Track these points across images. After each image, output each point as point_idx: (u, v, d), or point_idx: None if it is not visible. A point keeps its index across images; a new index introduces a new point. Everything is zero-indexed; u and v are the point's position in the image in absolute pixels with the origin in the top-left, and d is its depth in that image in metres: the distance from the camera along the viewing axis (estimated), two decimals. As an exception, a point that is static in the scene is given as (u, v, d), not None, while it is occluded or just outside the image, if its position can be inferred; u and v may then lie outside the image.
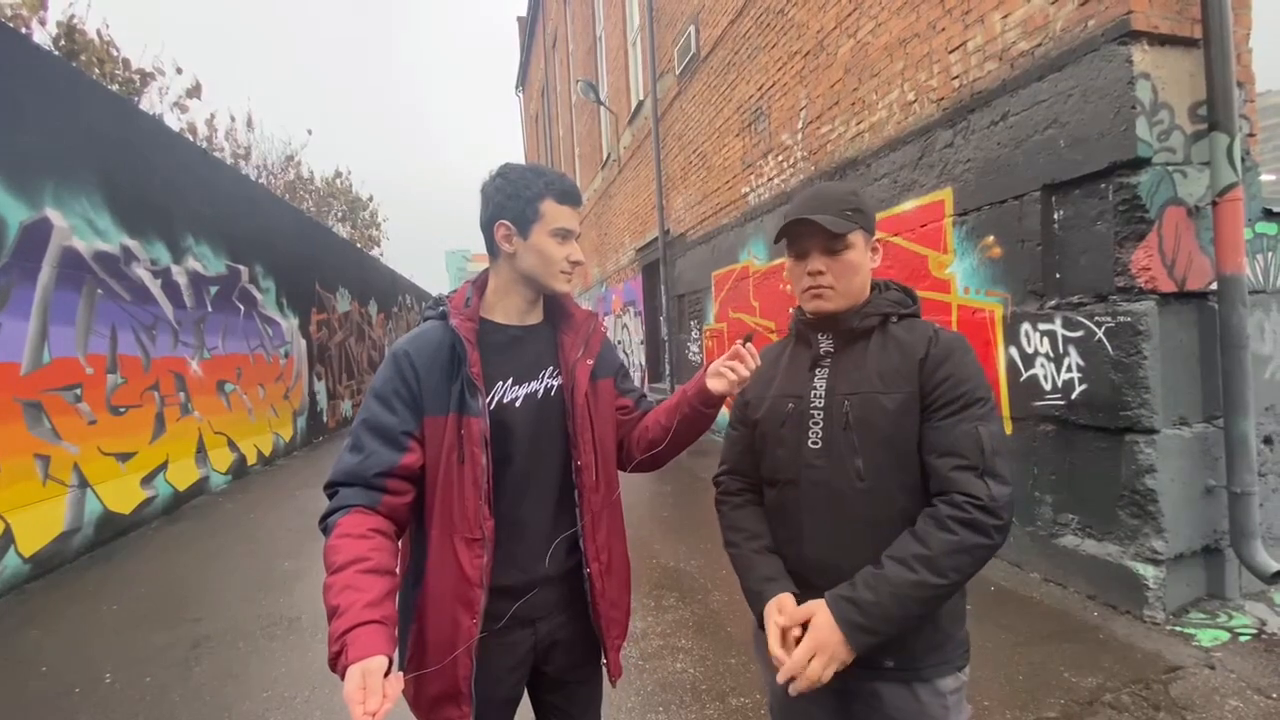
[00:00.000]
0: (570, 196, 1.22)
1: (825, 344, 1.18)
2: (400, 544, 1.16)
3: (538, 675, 1.28)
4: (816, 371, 1.17)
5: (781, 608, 1.08)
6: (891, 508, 1.07)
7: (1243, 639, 2.62)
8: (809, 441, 1.13)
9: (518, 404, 1.20)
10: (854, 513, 1.09)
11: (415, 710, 1.16)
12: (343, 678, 0.86)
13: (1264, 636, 2.62)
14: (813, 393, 1.15)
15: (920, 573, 0.98)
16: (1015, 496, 1.05)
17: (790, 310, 1.30)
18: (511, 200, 1.19)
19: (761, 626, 1.26)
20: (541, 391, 1.23)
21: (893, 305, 1.17)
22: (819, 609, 1.03)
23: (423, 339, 1.18)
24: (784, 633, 1.05)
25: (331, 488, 1.12)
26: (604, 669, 1.32)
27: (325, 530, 1.06)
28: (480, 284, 1.27)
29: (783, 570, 1.15)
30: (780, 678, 1.02)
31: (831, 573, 1.07)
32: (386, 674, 0.87)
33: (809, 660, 0.99)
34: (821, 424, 1.13)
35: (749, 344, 1.19)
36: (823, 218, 1.11)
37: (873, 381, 1.11)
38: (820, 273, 1.14)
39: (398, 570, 1.08)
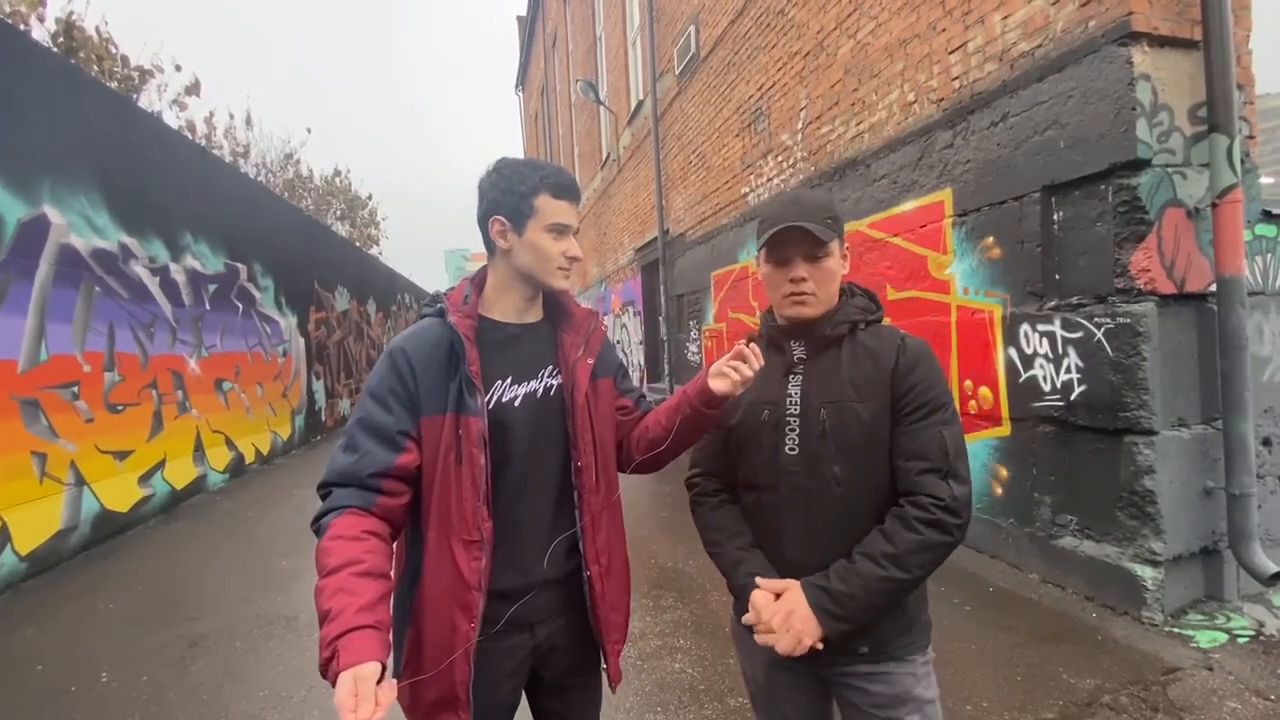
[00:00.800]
0: (566, 190, 1.19)
1: (798, 351, 1.22)
2: (396, 546, 1.14)
3: (535, 680, 1.27)
4: (790, 378, 1.21)
5: (759, 603, 1.14)
6: (866, 510, 1.14)
7: (1241, 641, 2.62)
8: (786, 448, 1.17)
9: (517, 403, 1.19)
10: (831, 516, 1.15)
11: (411, 717, 1.14)
12: (334, 684, 0.84)
13: (1262, 638, 2.63)
14: (788, 400, 1.19)
15: (888, 569, 1.07)
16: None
17: (759, 314, 1.33)
18: (506, 195, 1.17)
19: (740, 617, 1.27)
20: (541, 391, 1.22)
21: (860, 312, 1.22)
22: (793, 588, 1.12)
23: (420, 337, 1.16)
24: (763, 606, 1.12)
25: (325, 488, 1.09)
26: (604, 674, 1.30)
27: (318, 532, 1.04)
28: (478, 281, 1.26)
29: (768, 565, 1.19)
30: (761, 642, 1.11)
31: (810, 574, 1.13)
32: (379, 680, 0.85)
33: (783, 630, 1.09)
34: (798, 431, 1.17)
35: (753, 344, 1.19)
36: (811, 225, 1.14)
37: (847, 390, 1.15)
38: (803, 279, 1.17)
39: (393, 573, 1.06)
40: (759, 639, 1.11)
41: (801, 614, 1.08)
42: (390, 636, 0.96)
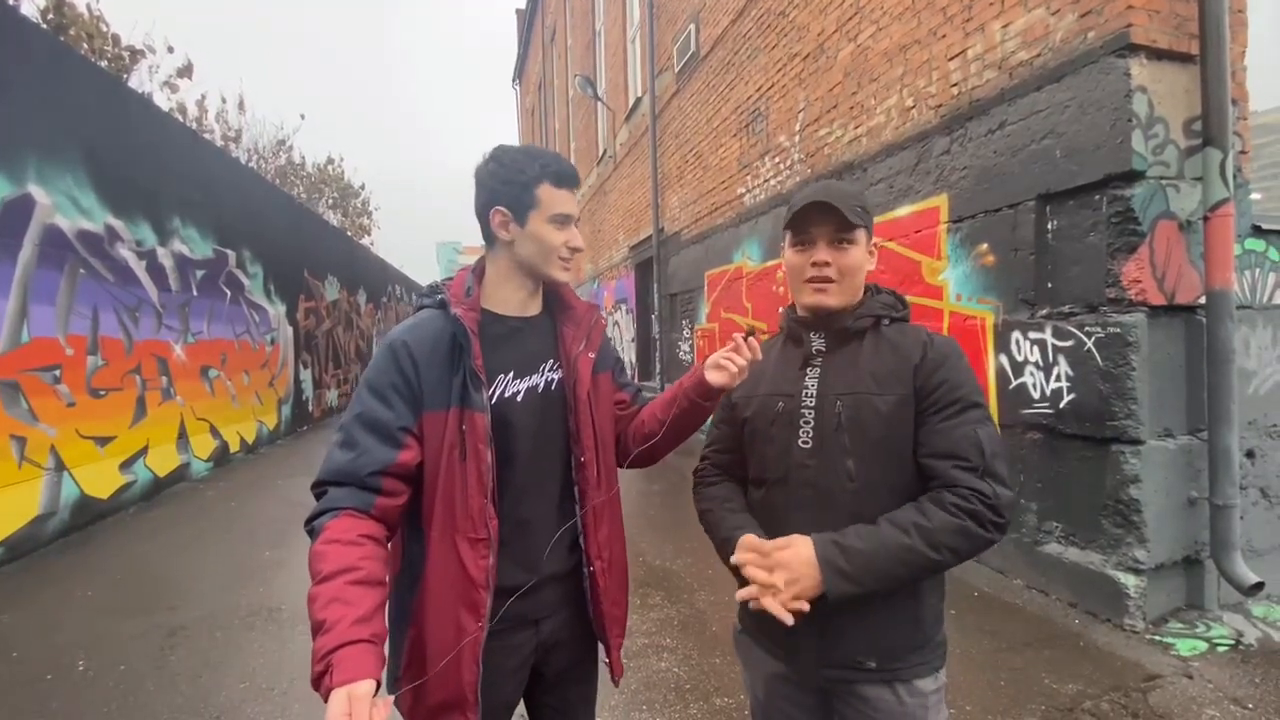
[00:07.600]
0: (567, 179, 1.17)
1: (817, 343, 1.18)
2: (391, 545, 1.11)
3: (535, 676, 1.24)
4: (807, 371, 1.16)
5: (751, 543, 1.08)
6: (881, 510, 1.06)
7: (1220, 649, 2.65)
8: (799, 441, 1.12)
9: (519, 398, 1.16)
10: (843, 514, 1.07)
11: None
12: (326, 699, 0.82)
13: (1241, 647, 2.66)
14: (804, 392, 1.15)
15: (914, 538, 0.99)
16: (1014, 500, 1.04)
17: (780, 310, 1.29)
18: (506, 185, 1.15)
19: (742, 629, 1.24)
20: (542, 385, 1.20)
21: (885, 308, 1.17)
22: (801, 541, 1.02)
23: (421, 329, 1.13)
24: (753, 557, 1.04)
25: (320, 487, 1.05)
26: (606, 667, 1.29)
27: (312, 533, 1.00)
28: (479, 272, 1.23)
29: (755, 524, 1.15)
30: (741, 595, 1.03)
31: None
32: (374, 696, 0.83)
33: (778, 581, 0.99)
34: (812, 424, 1.12)
35: (751, 338, 1.18)
36: (839, 204, 1.10)
37: (866, 382, 1.10)
38: (826, 264, 1.13)
39: (388, 576, 1.02)
40: (749, 574, 1.02)
41: (804, 560, 0.99)
42: (386, 648, 0.93)
